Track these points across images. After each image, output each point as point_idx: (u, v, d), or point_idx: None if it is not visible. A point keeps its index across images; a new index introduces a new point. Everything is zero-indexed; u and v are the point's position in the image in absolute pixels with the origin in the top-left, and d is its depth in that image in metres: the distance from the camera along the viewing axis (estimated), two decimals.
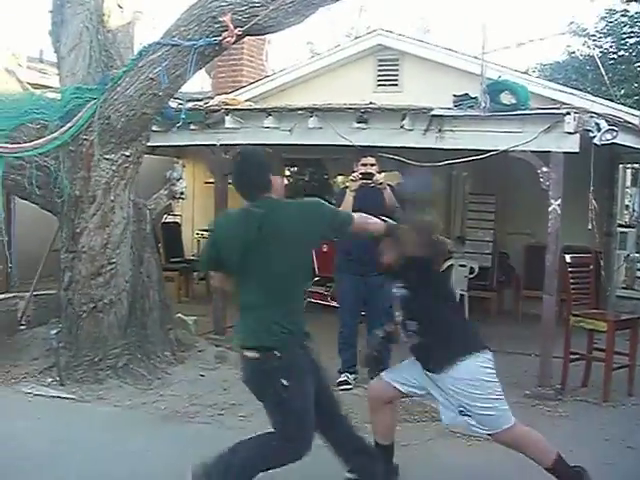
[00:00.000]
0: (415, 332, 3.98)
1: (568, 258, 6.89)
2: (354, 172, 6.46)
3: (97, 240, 6.49)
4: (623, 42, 20.22)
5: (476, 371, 3.91)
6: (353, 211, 6.40)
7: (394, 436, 4.44)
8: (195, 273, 11.35)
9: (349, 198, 6.42)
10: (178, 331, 7.39)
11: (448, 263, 9.73)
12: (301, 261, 3.79)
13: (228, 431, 5.38)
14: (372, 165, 6.43)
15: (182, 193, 7.57)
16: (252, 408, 5.84)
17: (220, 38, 5.76)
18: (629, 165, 13.06)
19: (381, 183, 6.40)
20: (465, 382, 3.88)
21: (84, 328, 6.49)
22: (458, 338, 4.01)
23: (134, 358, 6.59)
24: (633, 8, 20.25)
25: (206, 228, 10.55)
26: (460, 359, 3.89)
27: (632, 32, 20.06)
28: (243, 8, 5.70)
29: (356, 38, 12.56)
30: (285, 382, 3.58)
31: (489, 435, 4.04)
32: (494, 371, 4.01)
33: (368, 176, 6.35)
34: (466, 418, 3.93)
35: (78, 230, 6.51)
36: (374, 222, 3.94)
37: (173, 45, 5.91)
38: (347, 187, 6.57)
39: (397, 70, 10.99)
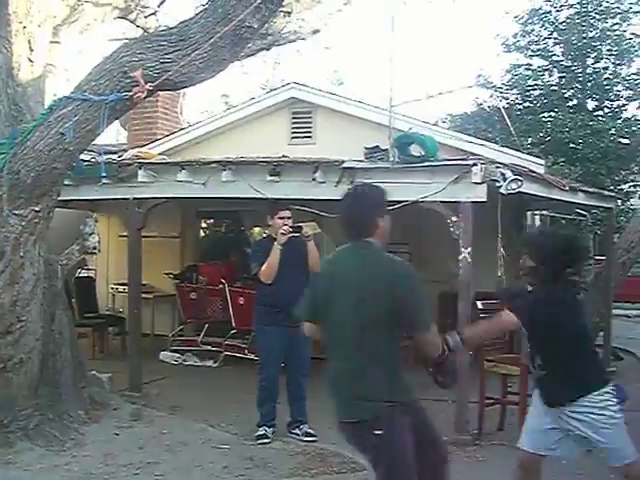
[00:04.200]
0: (540, 366, 4.11)
1: (480, 304, 7.06)
2: (269, 225, 6.51)
3: (6, 298, 6.30)
4: (528, 94, 21.09)
5: (608, 403, 3.98)
6: (280, 263, 6.46)
7: None
8: (110, 328, 11.12)
9: (277, 251, 6.45)
10: (92, 389, 7.20)
11: None
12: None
13: None
14: (289, 218, 6.51)
15: (95, 248, 7.44)
16: (168, 466, 5.75)
17: (131, 93, 5.74)
18: (537, 212, 13.49)
19: (308, 235, 6.48)
20: (596, 414, 3.93)
21: None
22: (594, 370, 4.12)
23: (46, 419, 6.37)
24: (536, 62, 21.20)
25: (122, 282, 10.40)
26: (593, 390, 3.98)
27: (536, 85, 20.96)
28: (154, 64, 5.70)
29: (271, 91, 12.73)
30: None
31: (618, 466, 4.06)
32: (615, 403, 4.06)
33: (297, 229, 6.45)
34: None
35: None
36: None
37: (84, 100, 5.85)
38: (265, 238, 6.62)
39: (311, 122, 11.17)
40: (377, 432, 3.53)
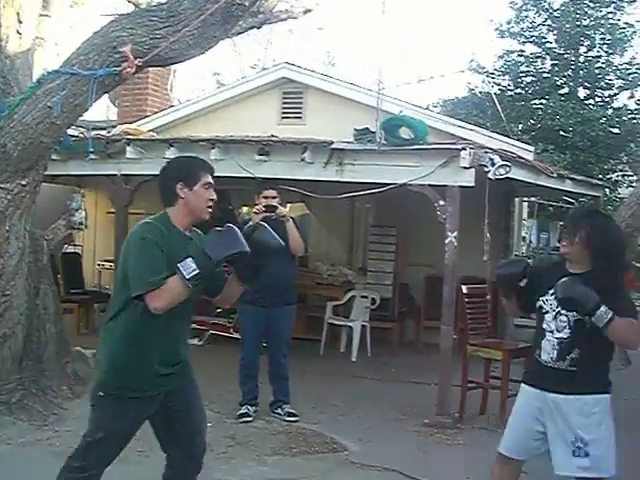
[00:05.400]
0: (573, 360, 3.77)
1: (465, 289, 7.09)
2: (256, 205, 6.49)
3: None
4: (520, 80, 21.10)
5: (607, 408, 3.81)
6: None
7: None
8: (96, 305, 11.09)
9: None
10: (76, 365, 7.20)
11: (350, 294, 9.87)
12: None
13: (125, 467, 5.23)
14: (274, 198, 6.48)
15: (81, 223, 7.43)
16: (151, 443, 5.72)
17: (120, 68, 5.70)
18: (525, 198, 13.54)
19: (284, 215, 6.46)
20: (595, 416, 3.74)
21: None
22: (606, 371, 3.88)
23: (29, 393, 6.38)
24: (529, 49, 21.19)
25: (108, 259, 10.39)
26: (599, 391, 3.79)
27: (528, 71, 20.96)
28: (144, 39, 5.66)
29: (262, 70, 12.69)
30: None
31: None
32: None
33: (271, 209, 6.40)
34: (578, 460, 3.70)
35: None
36: None
37: (72, 74, 5.81)
38: (250, 219, 6.60)
39: (301, 103, 11.14)
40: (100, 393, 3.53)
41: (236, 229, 3.42)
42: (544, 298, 3.91)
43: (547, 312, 3.88)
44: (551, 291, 3.86)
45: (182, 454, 3.74)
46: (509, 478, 4.04)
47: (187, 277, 3.27)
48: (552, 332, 3.83)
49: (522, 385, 4.05)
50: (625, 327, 3.64)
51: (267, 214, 6.37)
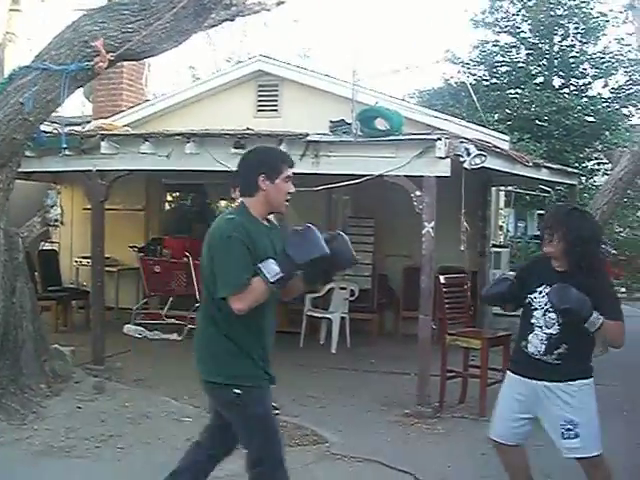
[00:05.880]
0: (560, 355, 3.90)
1: (442, 279, 7.12)
2: (234, 198, 6.47)
3: None
4: (495, 70, 21.15)
5: (591, 391, 3.96)
6: None
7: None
8: (74, 302, 11.03)
9: None
10: (54, 362, 7.14)
11: (328, 286, 9.86)
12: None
13: (105, 464, 5.25)
14: None
15: (56, 220, 7.37)
16: (131, 439, 5.74)
17: (92, 63, 5.67)
18: (502, 187, 13.60)
19: None
20: (581, 399, 3.89)
21: None
22: (589, 359, 4.01)
23: (7, 392, 6.33)
24: (503, 39, 21.24)
25: (86, 255, 10.33)
26: (586, 376, 3.94)
27: (503, 61, 21.02)
28: (115, 33, 5.63)
29: (237, 63, 12.64)
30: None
31: (584, 459, 3.92)
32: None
33: None
34: (568, 441, 3.86)
35: None
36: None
37: (44, 69, 5.76)
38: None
39: (277, 96, 11.11)
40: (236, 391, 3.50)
41: (315, 230, 3.42)
42: (532, 295, 4.02)
43: (536, 309, 3.99)
44: (539, 289, 3.99)
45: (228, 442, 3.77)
46: (512, 460, 4.16)
47: (271, 280, 3.29)
48: (541, 328, 3.96)
49: (508, 373, 4.18)
50: (612, 330, 3.83)
51: None
